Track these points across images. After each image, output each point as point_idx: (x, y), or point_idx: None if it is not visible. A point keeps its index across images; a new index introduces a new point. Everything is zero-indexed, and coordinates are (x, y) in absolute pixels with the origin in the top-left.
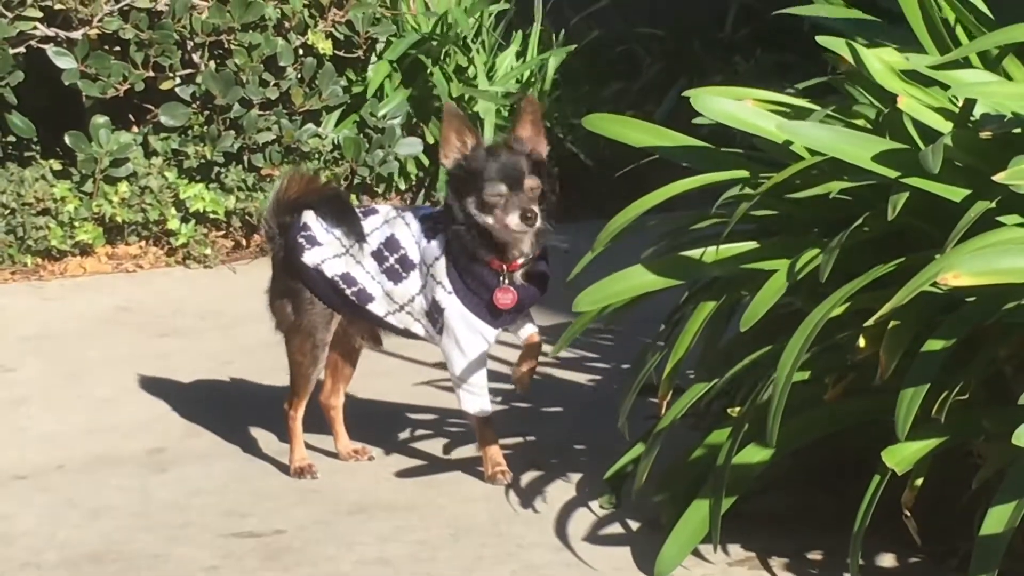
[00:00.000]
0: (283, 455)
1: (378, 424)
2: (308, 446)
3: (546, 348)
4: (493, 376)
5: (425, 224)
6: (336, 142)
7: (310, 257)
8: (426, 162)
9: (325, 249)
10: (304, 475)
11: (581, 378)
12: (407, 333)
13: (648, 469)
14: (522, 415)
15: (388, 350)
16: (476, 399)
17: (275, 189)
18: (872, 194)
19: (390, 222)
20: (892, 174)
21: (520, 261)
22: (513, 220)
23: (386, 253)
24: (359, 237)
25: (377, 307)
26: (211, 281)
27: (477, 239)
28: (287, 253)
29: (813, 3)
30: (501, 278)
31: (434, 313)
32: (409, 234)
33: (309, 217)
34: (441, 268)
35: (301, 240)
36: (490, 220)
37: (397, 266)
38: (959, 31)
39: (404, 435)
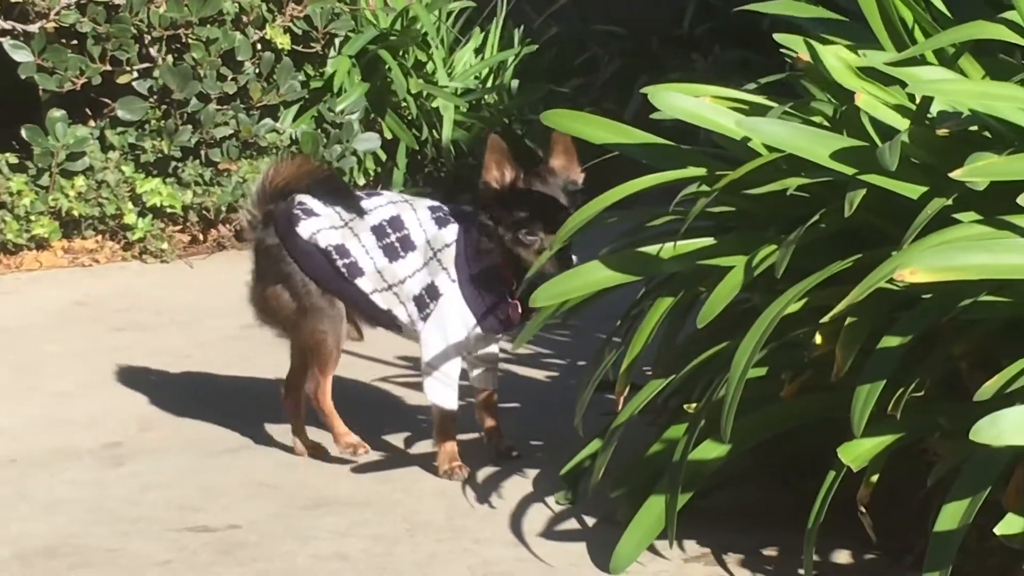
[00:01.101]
0: (240, 450)
1: None
2: (261, 441)
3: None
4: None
5: (435, 213)
6: (294, 137)
7: (305, 228)
8: (383, 157)
9: (322, 220)
10: (357, 451)
11: (538, 374)
12: (388, 316)
13: (604, 465)
14: None
15: (345, 348)
16: (444, 389)
17: (261, 177)
18: (829, 191)
19: (396, 204)
20: (849, 171)
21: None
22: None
23: (388, 230)
24: (359, 212)
25: (365, 283)
26: (168, 276)
27: (500, 254)
28: (278, 233)
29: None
30: (514, 291)
31: (426, 297)
32: (415, 218)
33: (304, 195)
34: (450, 256)
35: (297, 212)
36: (523, 254)
37: (397, 244)
38: (916, 30)
39: (361, 430)
